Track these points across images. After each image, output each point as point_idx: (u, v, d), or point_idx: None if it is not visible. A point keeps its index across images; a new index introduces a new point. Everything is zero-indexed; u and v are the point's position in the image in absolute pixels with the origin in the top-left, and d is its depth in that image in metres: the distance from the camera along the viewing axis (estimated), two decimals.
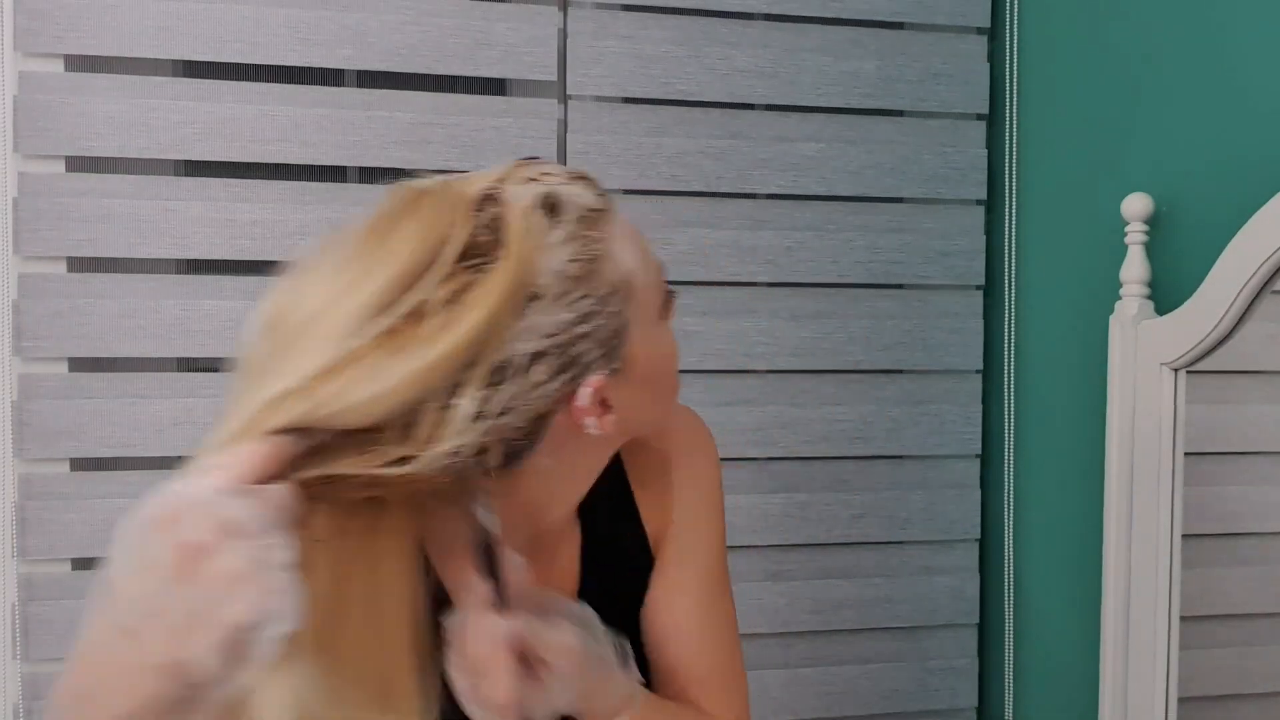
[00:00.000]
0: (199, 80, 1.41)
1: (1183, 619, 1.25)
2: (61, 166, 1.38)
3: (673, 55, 1.53)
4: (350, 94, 1.44)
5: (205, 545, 0.57)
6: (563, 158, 1.50)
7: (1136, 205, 1.28)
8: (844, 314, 1.60)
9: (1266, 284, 1.14)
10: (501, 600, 0.74)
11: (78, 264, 1.39)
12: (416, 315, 0.66)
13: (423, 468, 0.66)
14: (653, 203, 1.53)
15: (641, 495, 0.93)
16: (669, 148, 1.53)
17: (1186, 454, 1.24)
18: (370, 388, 0.64)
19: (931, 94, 1.61)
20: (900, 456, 1.63)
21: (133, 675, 0.57)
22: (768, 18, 1.57)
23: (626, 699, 0.83)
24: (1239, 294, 1.15)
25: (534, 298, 0.70)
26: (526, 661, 0.75)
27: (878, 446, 1.62)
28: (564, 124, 1.51)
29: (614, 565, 0.91)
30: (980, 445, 1.65)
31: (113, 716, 0.58)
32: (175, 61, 1.43)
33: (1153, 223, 1.30)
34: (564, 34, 1.50)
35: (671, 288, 0.84)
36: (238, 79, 1.42)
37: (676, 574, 0.93)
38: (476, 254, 0.69)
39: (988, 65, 1.62)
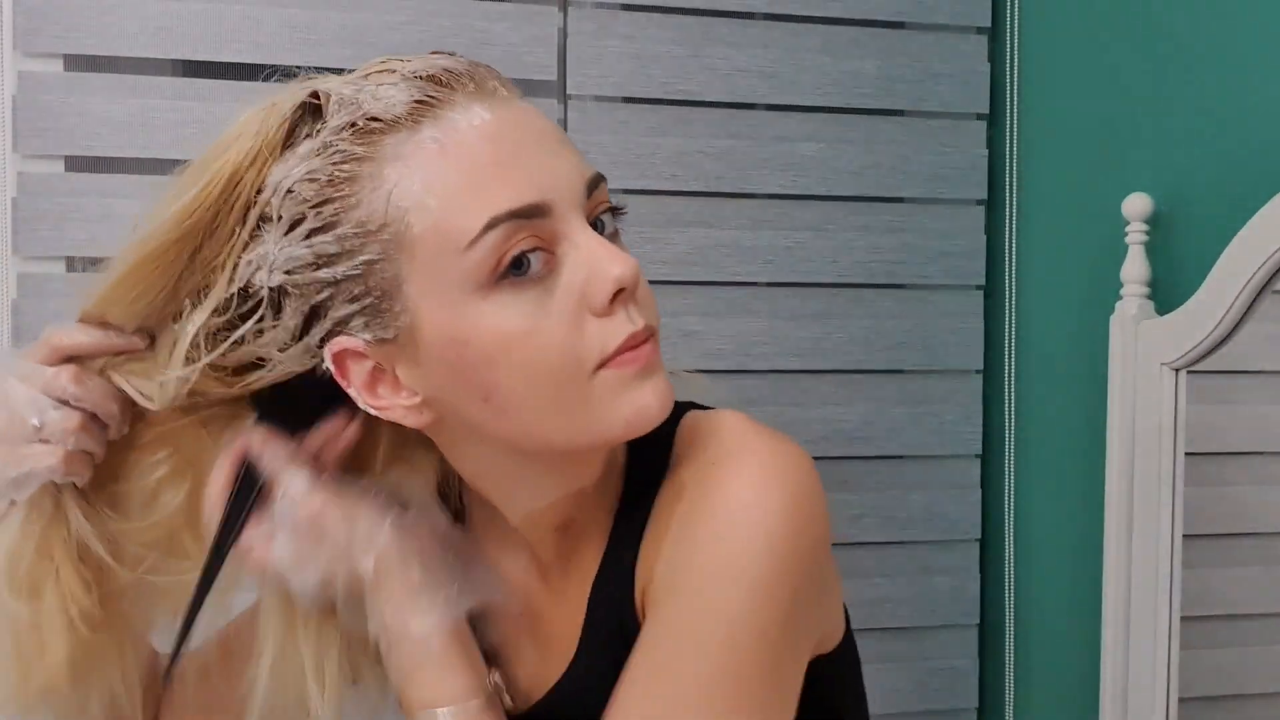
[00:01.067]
0: (199, 80, 1.41)
1: (1183, 619, 1.25)
2: (61, 166, 1.37)
3: (673, 55, 1.52)
4: None
5: None
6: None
7: (1137, 205, 1.28)
8: (844, 314, 1.60)
9: (1267, 284, 1.14)
10: (286, 432, 0.67)
11: (77, 264, 1.39)
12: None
13: (162, 389, 0.64)
14: (653, 203, 1.53)
15: (650, 534, 0.67)
16: (669, 148, 1.53)
17: (1187, 454, 1.24)
18: (111, 279, 0.65)
19: (932, 94, 1.60)
20: (900, 456, 1.63)
21: None
22: (768, 18, 1.57)
23: (456, 690, 0.64)
24: (1239, 294, 1.15)
25: (265, 219, 0.61)
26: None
27: (878, 446, 1.62)
28: (564, 124, 1.51)
29: (616, 608, 0.69)
30: (980, 445, 1.65)
31: None
32: (175, 61, 1.42)
33: (1153, 223, 1.30)
34: (564, 34, 1.50)
35: (527, 258, 0.59)
36: (238, 79, 1.42)
37: (636, 682, 0.62)
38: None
39: (988, 65, 1.62)
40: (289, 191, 0.60)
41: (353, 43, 1.43)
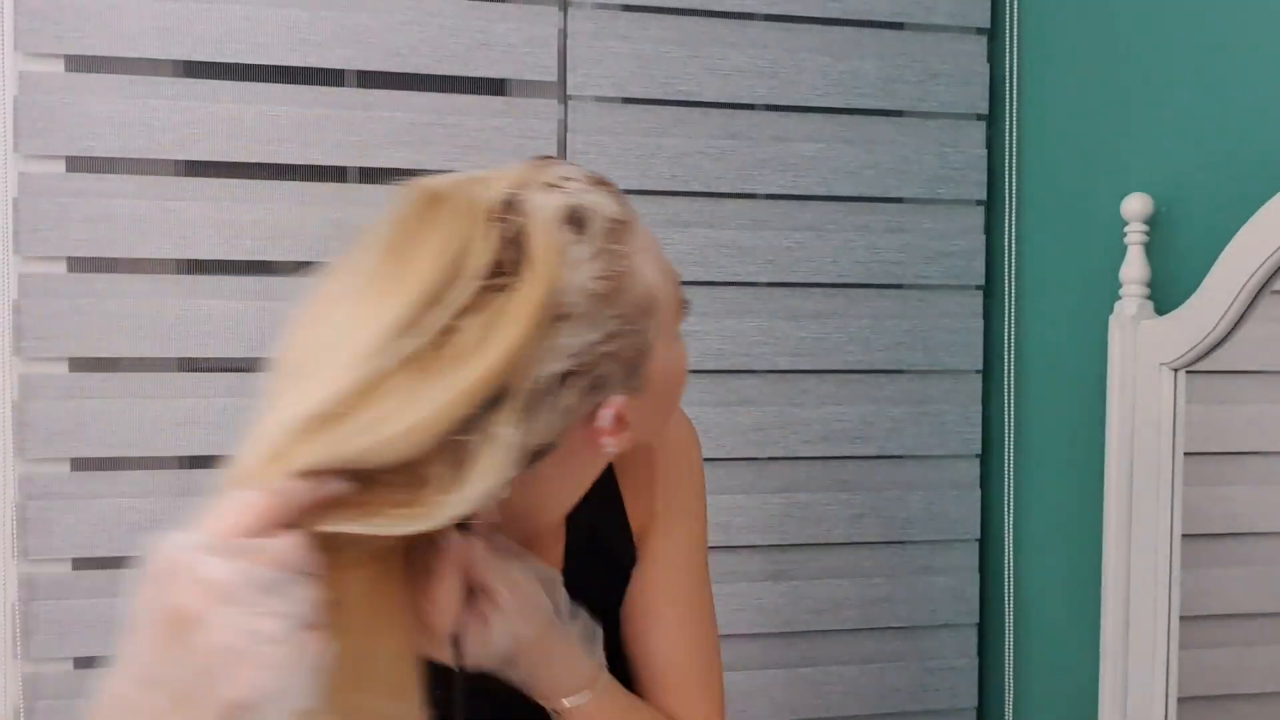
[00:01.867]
0: (199, 80, 1.41)
1: (1182, 619, 1.25)
2: (62, 166, 1.38)
3: (673, 55, 1.53)
4: (350, 94, 1.44)
5: (193, 613, 0.51)
6: (562, 158, 1.50)
7: (1136, 205, 1.28)
8: (844, 314, 1.60)
9: (1266, 284, 1.14)
10: (463, 527, 0.71)
11: (78, 264, 1.39)
12: (442, 337, 0.62)
13: (460, 508, 0.61)
14: (653, 203, 1.53)
15: (628, 492, 0.91)
16: (669, 148, 1.53)
17: (1186, 454, 1.24)
18: (406, 417, 0.59)
19: (931, 94, 1.61)
20: (900, 456, 1.63)
21: None
22: (768, 18, 1.57)
23: (584, 679, 0.81)
24: (1238, 294, 1.15)
25: (562, 317, 0.66)
26: (471, 591, 0.73)
27: (878, 446, 1.62)
28: (564, 124, 1.51)
29: (597, 559, 0.89)
30: (980, 445, 1.65)
31: None
32: (175, 61, 1.43)
33: (1152, 223, 1.30)
34: (564, 34, 1.50)
35: (686, 296, 0.81)
36: (238, 79, 1.42)
37: (660, 571, 0.91)
38: (501, 271, 0.64)
39: (988, 65, 1.63)
40: (588, 290, 0.68)
41: (353, 43, 1.43)
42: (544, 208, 0.68)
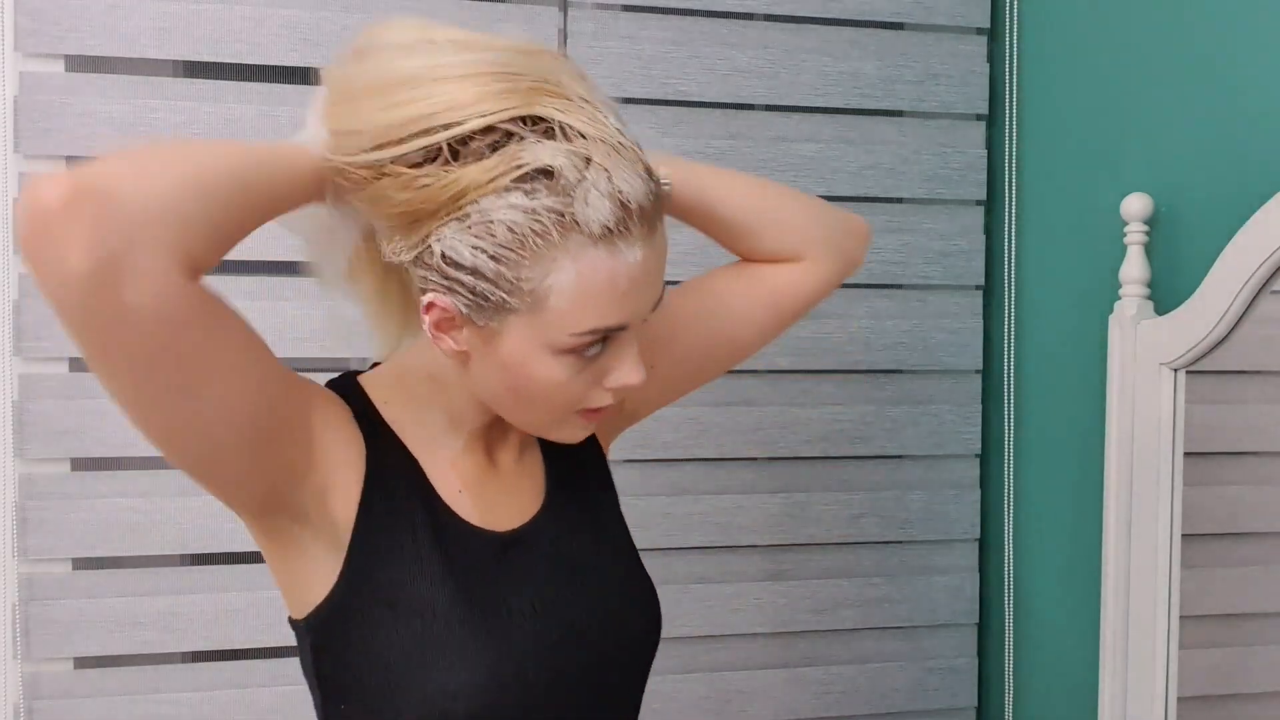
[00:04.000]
0: (199, 81, 1.41)
1: (1182, 619, 1.25)
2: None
3: (673, 55, 1.53)
4: None
5: None
6: None
7: (1136, 205, 1.28)
8: (844, 314, 1.60)
9: (1266, 284, 1.14)
10: None
11: None
12: None
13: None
14: None
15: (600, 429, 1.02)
16: (669, 148, 1.53)
17: (1186, 454, 1.24)
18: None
19: (931, 94, 1.61)
20: (900, 456, 1.63)
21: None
22: (768, 18, 1.57)
23: None
24: (1238, 294, 1.15)
25: (459, 218, 0.78)
26: None
27: (878, 446, 1.62)
28: None
29: (572, 467, 0.99)
30: (980, 445, 1.65)
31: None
32: (176, 62, 1.43)
33: (1152, 223, 1.30)
34: (564, 34, 1.50)
35: (597, 346, 0.82)
36: (238, 79, 1.42)
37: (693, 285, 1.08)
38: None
39: (987, 65, 1.63)
40: (490, 221, 0.76)
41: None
42: (533, 153, 0.79)
